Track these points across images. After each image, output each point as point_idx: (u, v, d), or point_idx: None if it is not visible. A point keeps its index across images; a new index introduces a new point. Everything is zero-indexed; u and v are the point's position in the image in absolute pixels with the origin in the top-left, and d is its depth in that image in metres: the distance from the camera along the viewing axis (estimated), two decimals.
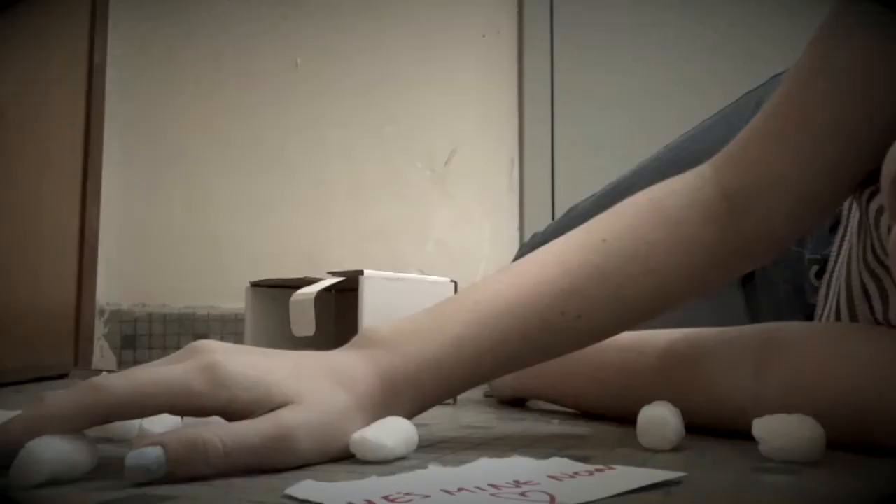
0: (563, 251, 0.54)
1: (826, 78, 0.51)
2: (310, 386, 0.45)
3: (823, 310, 0.65)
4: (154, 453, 0.38)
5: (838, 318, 0.61)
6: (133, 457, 0.38)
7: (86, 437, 0.40)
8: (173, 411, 0.42)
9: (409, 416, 0.48)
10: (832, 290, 0.64)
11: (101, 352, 1.86)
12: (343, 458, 0.44)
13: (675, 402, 0.50)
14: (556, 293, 0.52)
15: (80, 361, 1.57)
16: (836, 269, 0.64)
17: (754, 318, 0.76)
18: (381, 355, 0.49)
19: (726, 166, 0.55)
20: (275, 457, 0.42)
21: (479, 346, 0.51)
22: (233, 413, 0.43)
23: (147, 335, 1.88)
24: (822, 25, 0.52)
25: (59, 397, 0.41)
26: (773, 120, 0.54)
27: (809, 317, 0.69)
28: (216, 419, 0.44)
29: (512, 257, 1.19)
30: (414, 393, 0.49)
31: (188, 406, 0.42)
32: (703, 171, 0.56)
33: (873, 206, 0.54)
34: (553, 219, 1.81)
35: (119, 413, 0.41)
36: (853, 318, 0.59)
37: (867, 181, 0.52)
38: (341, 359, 0.49)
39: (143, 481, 0.38)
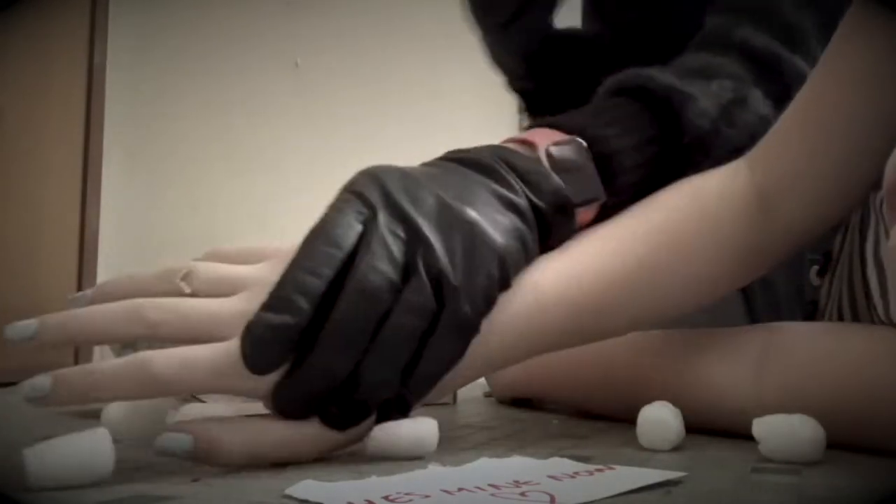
0: (609, 240, 0.54)
1: (837, 78, 0.53)
2: None
3: (826, 308, 0.65)
4: (184, 441, 0.40)
5: (841, 317, 0.61)
6: (164, 440, 0.40)
7: (105, 441, 0.39)
8: (214, 391, 0.44)
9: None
10: (834, 289, 0.64)
11: (101, 351, 1.86)
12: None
13: (674, 402, 0.50)
14: (597, 287, 0.52)
15: (80, 361, 1.57)
16: (839, 268, 0.64)
17: (754, 318, 0.76)
18: None
19: (757, 161, 0.57)
20: (298, 452, 0.43)
21: (516, 333, 0.50)
22: None
23: None
24: (839, 28, 0.53)
25: (110, 365, 0.41)
26: (792, 118, 0.55)
27: (809, 317, 0.69)
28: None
29: None
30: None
31: (228, 388, 0.43)
32: (738, 164, 0.58)
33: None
34: None
35: (161, 392, 0.42)
36: (855, 316, 0.59)
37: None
38: None
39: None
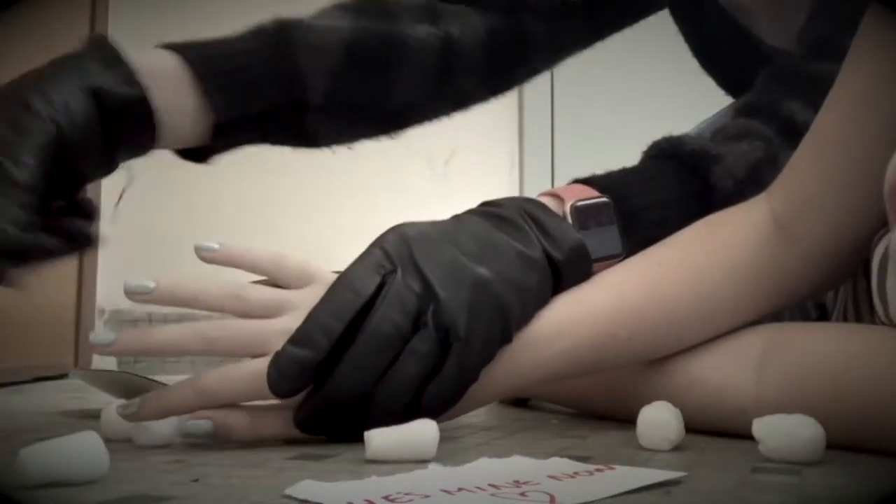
0: (622, 274, 0.56)
1: (846, 101, 0.53)
2: None
3: (833, 311, 0.66)
4: (206, 425, 0.48)
5: (846, 319, 0.61)
6: (188, 425, 0.48)
7: (95, 442, 0.39)
8: (253, 399, 0.50)
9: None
10: (840, 293, 0.64)
11: (102, 357, 1.86)
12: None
13: (675, 402, 0.50)
14: (610, 318, 0.54)
15: (80, 361, 1.57)
16: None
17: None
18: None
19: (774, 191, 0.57)
20: (294, 434, 0.50)
21: (533, 360, 0.54)
22: None
23: None
24: (849, 52, 0.54)
25: (176, 387, 0.49)
26: (806, 145, 0.56)
27: (809, 317, 0.70)
28: None
29: None
30: None
31: (264, 397, 0.49)
32: (757, 198, 0.58)
33: None
34: None
35: (214, 402, 0.49)
36: (859, 319, 0.59)
37: None
38: None
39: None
